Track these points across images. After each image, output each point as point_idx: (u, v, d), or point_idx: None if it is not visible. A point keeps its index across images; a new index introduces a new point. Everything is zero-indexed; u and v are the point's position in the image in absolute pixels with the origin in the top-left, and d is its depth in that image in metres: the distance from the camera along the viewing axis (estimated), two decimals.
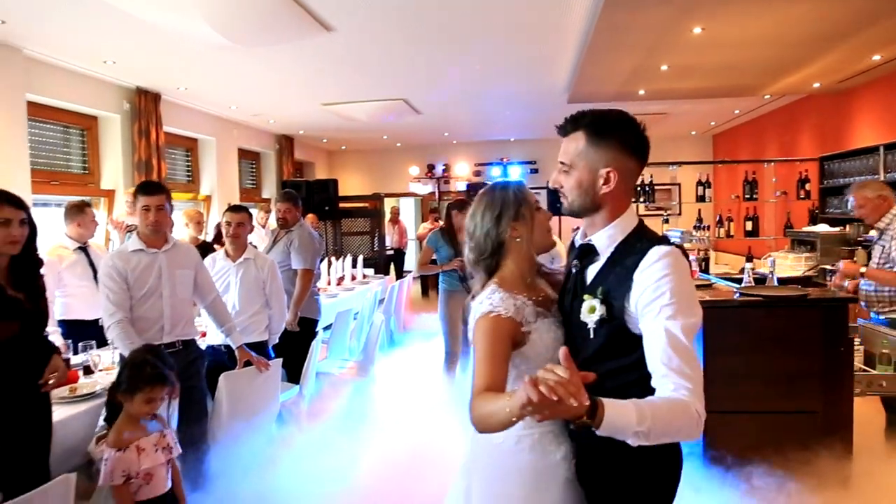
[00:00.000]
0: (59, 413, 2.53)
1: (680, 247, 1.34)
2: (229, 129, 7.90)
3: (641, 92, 6.10)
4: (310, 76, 5.81)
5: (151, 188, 2.94)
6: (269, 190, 9.53)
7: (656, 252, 1.27)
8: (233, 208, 3.66)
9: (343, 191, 11.48)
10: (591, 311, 1.34)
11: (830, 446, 2.90)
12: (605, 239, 1.39)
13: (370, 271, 8.41)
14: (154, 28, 4.00)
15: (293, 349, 3.94)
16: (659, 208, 6.79)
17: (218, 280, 3.63)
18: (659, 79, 5.50)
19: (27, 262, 2.25)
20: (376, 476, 3.16)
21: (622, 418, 1.08)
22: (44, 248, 3.93)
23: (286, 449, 3.42)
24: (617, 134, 1.35)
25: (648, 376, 1.22)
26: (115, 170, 5.84)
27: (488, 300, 1.43)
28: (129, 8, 3.48)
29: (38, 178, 5.02)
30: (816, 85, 5.98)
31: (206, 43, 4.13)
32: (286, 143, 9.63)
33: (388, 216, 10.46)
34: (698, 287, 3.57)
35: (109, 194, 5.86)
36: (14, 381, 2.17)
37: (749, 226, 6.22)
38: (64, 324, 3.89)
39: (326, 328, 4.99)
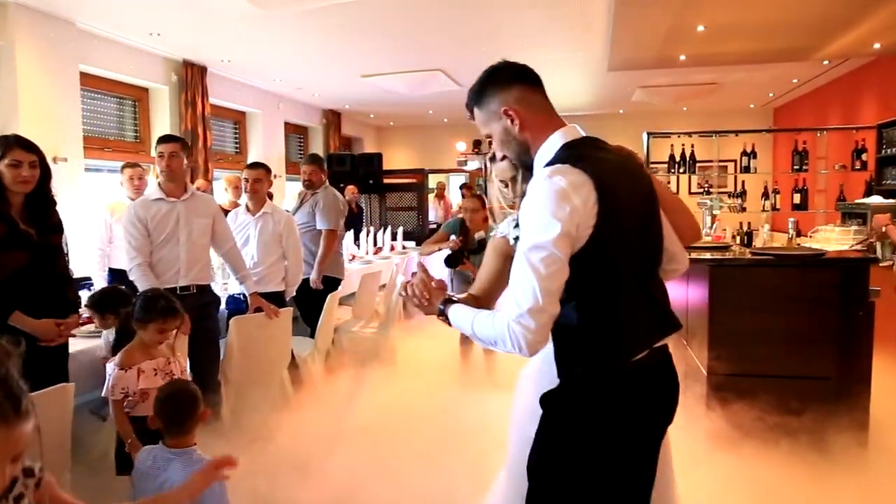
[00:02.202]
0: (78, 344, 2.78)
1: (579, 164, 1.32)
2: (275, 102, 8.17)
3: (682, 57, 5.88)
4: (345, 47, 5.93)
5: (166, 137, 3.13)
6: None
7: (538, 175, 1.31)
8: (251, 165, 3.84)
9: (392, 166, 11.68)
10: (515, 239, 1.45)
11: (843, 415, 2.77)
12: (537, 169, 1.41)
13: (411, 243, 8.54)
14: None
15: (316, 306, 4.10)
16: (709, 185, 6.55)
17: (238, 233, 3.82)
18: (698, 41, 5.27)
19: (40, 200, 2.46)
20: (385, 417, 3.26)
21: (461, 321, 1.37)
22: (102, 205, 4.28)
23: (296, 392, 3.61)
24: (488, 82, 1.47)
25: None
26: None
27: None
28: None
29: (93, 145, 5.39)
30: (877, 46, 5.57)
31: (233, 9, 4.29)
32: (333, 118, 9.85)
33: (434, 192, 10.54)
34: (715, 248, 3.46)
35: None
36: (27, 308, 2.38)
37: (797, 198, 5.90)
38: (112, 272, 4.20)
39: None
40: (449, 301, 1.42)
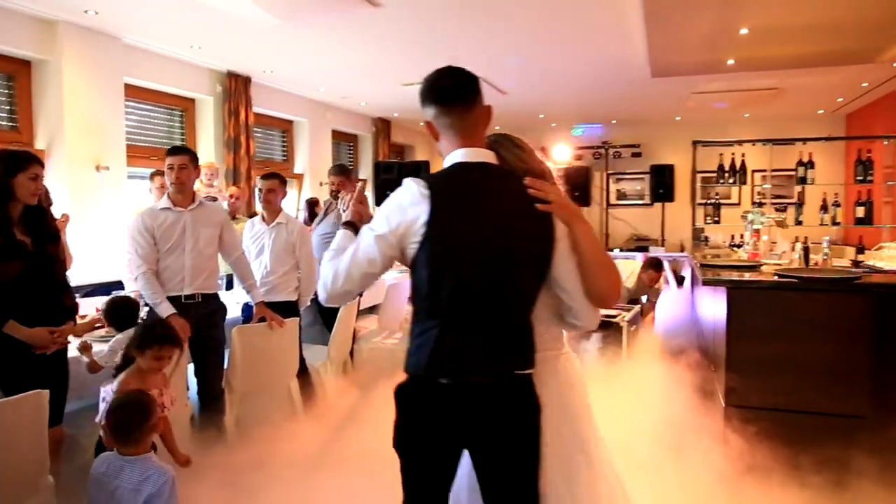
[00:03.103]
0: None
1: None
2: (322, 111, 8.32)
3: (731, 62, 5.53)
4: (384, 56, 5.95)
5: (175, 149, 3.19)
6: (366, 171, 9.91)
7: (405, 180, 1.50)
8: (265, 176, 3.88)
9: None
10: None
11: (879, 458, 2.47)
12: None
13: None
14: (221, 12, 4.32)
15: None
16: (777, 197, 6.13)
17: (254, 242, 3.87)
18: (744, 45, 4.94)
19: (36, 211, 2.56)
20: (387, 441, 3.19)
21: (336, 240, 1.64)
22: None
23: (303, 403, 3.59)
24: (420, 92, 1.55)
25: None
26: (208, 147, 6.40)
27: None
28: None
29: (140, 154, 5.65)
30: None
31: (265, 21, 4.38)
32: (382, 126, 9.94)
33: None
34: (741, 268, 3.19)
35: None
36: (23, 316, 2.46)
37: (860, 212, 5.41)
38: None
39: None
40: (350, 224, 1.66)
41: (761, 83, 6.86)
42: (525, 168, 1.55)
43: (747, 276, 2.87)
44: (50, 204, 3.72)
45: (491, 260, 1.41)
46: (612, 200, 10.72)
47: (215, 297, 3.35)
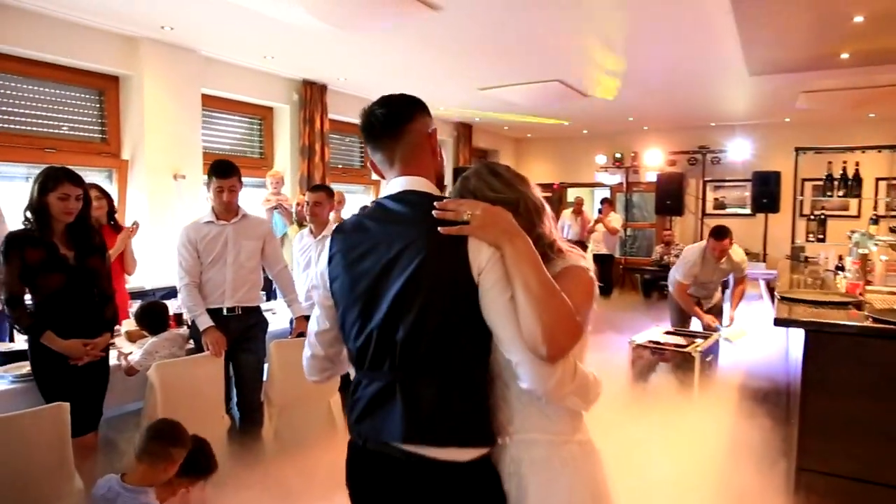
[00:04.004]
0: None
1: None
2: None
3: (844, 55, 4.84)
4: (458, 60, 5.81)
5: (223, 171, 3.16)
6: (447, 177, 9.81)
7: None
8: (312, 188, 3.84)
9: (530, 178, 11.41)
10: None
11: None
12: None
13: None
14: (291, 23, 4.36)
15: None
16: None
17: (302, 255, 3.85)
18: (860, 36, 4.28)
19: (80, 228, 2.63)
20: None
21: None
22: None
23: (344, 419, 3.51)
24: None
25: None
26: (283, 155, 6.56)
27: None
28: (245, 3, 3.82)
29: None
30: None
31: (321, 30, 4.37)
32: (463, 131, 9.82)
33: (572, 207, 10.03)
34: (832, 304, 2.71)
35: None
36: (63, 328, 2.56)
37: None
38: None
39: None
40: None
41: (886, 78, 5.99)
42: (497, 198, 1.29)
43: (833, 317, 2.41)
44: (113, 212, 3.91)
45: (391, 301, 1.19)
46: (709, 210, 9.89)
47: (256, 310, 3.34)
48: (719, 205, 9.98)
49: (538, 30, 4.80)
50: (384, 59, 5.80)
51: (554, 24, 4.66)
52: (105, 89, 5.05)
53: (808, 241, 5.42)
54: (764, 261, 8.17)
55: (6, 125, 4.47)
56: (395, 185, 1.31)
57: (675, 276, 4.56)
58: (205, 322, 3.08)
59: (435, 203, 1.20)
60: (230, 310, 3.20)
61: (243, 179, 3.30)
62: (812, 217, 5.63)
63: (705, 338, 3.99)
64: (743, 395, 3.57)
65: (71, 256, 2.60)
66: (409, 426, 1.17)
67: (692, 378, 3.61)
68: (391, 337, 1.19)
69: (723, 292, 4.90)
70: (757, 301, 5.91)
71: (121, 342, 3.26)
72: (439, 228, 1.16)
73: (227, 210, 3.21)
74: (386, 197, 1.31)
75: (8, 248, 2.51)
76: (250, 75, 6.01)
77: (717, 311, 4.65)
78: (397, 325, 1.18)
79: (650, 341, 3.89)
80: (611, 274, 9.60)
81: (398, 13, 4.05)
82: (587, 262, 1.35)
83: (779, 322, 2.39)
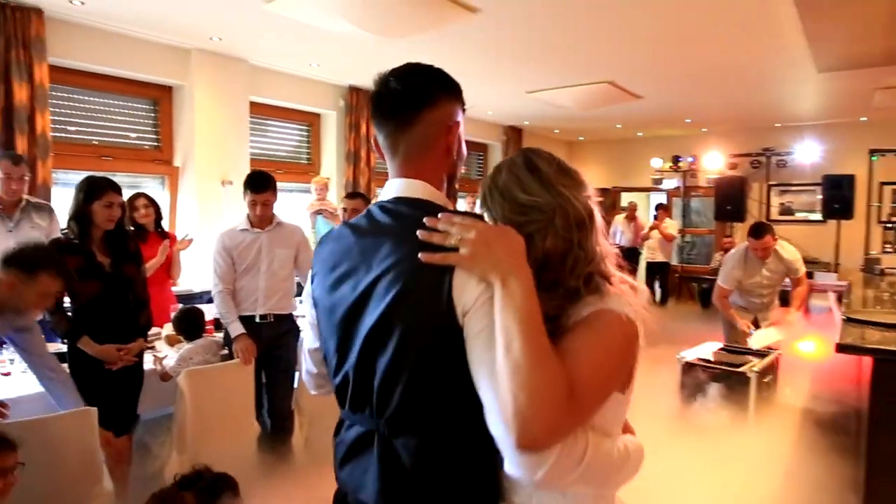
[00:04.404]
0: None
1: None
2: None
3: None
4: (495, 63, 5.69)
5: (258, 185, 3.17)
6: None
7: None
8: (349, 195, 3.81)
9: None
10: None
11: None
12: None
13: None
14: (331, 31, 4.37)
15: None
16: None
17: None
18: None
19: (117, 235, 2.69)
20: None
21: None
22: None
23: None
24: None
25: None
26: (329, 160, 6.62)
27: None
28: (279, 10, 3.84)
29: (266, 168, 5.96)
30: None
31: (364, 38, 4.35)
32: (513, 135, 9.66)
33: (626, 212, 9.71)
34: None
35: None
36: (98, 333, 2.62)
37: None
38: None
39: None
40: None
41: None
42: (529, 202, 1.01)
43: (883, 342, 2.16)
44: (160, 219, 4.00)
45: (363, 340, 1.02)
46: (774, 216, 9.34)
47: (289, 317, 3.33)
48: (785, 210, 9.40)
49: (585, 29, 4.63)
50: (429, 63, 5.74)
51: (601, 22, 4.47)
52: (159, 99, 5.22)
53: (884, 251, 4.99)
54: (835, 271, 7.63)
55: (67, 135, 4.67)
56: (389, 188, 1.10)
57: (718, 280, 4.22)
58: (236, 329, 3.09)
59: (426, 219, 0.98)
60: (262, 317, 3.21)
61: (292, 185, 3.31)
62: (889, 225, 5.18)
63: (762, 356, 3.71)
64: (805, 421, 3.29)
65: (107, 264, 2.66)
66: (384, 490, 1.00)
67: (747, 401, 3.35)
68: (368, 380, 1.02)
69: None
70: (824, 313, 5.50)
71: (161, 346, 3.33)
72: (420, 255, 0.95)
73: (261, 220, 3.23)
74: (377, 203, 1.12)
75: None
76: (298, 83, 6.09)
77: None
78: (373, 368, 1.01)
79: (700, 359, 3.64)
80: (667, 282, 9.23)
81: (437, 17, 3.98)
82: (635, 301, 1.01)
83: (842, 348, 2.15)
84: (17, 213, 3.31)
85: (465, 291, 0.93)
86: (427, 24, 4.06)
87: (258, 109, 5.86)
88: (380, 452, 1.01)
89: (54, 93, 4.40)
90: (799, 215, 9.20)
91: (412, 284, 0.96)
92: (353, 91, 6.54)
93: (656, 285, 8.90)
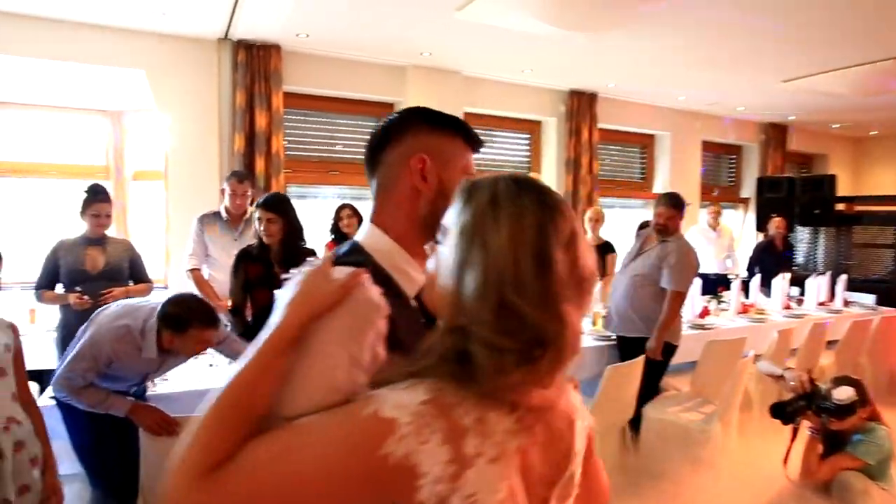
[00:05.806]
0: None
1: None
2: (688, 121, 7.31)
3: None
4: (745, 51, 4.81)
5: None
6: (749, 188, 8.31)
7: None
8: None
9: (871, 189, 8.96)
10: None
11: None
12: None
13: (863, 297, 6.30)
14: (543, 35, 4.12)
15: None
16: None
17: None
18: None
19: (291, 249, 2.82)
20: None
21: None
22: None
23: None
24: None
25: None
26: (549, 169, 6.33)
27: None
28: (468, 17, 3.71)
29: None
30: None
31: (575, 38, 3.99)
32: (774, 133, 8.16)
33: None
34: None
35: None
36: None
37: None
38: None
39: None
40: None
41: None
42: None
43: None
44: None
45: None
46: None
47: None
48: None
49: None
50: (647, 60, 5.10)
51: None
52: (379, 116, 5.55)
53: None
54: None
55: (301, 153, 5.23)
56: (362, 237, 1.02)
57: None
58: None
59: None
60: None
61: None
62: None
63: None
64: None
65: (282, 275, 2.81)
66: None
67: None
68: None
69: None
70: None
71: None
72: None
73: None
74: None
75: (237, 262, 2.83)
76: (512, 90, 5.94)
77: None
78: None
79: None
80: None
81: (627, 5, 3.41)
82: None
83: None
84: (242, 225, 3.74)
85: None
86: (617, 13, 3.53)
87: (475, 120, 5.86)
88: None
89: (287, 116, 4.95)
90: None
91: None
92: (574, 95, 6.16)
93: None
